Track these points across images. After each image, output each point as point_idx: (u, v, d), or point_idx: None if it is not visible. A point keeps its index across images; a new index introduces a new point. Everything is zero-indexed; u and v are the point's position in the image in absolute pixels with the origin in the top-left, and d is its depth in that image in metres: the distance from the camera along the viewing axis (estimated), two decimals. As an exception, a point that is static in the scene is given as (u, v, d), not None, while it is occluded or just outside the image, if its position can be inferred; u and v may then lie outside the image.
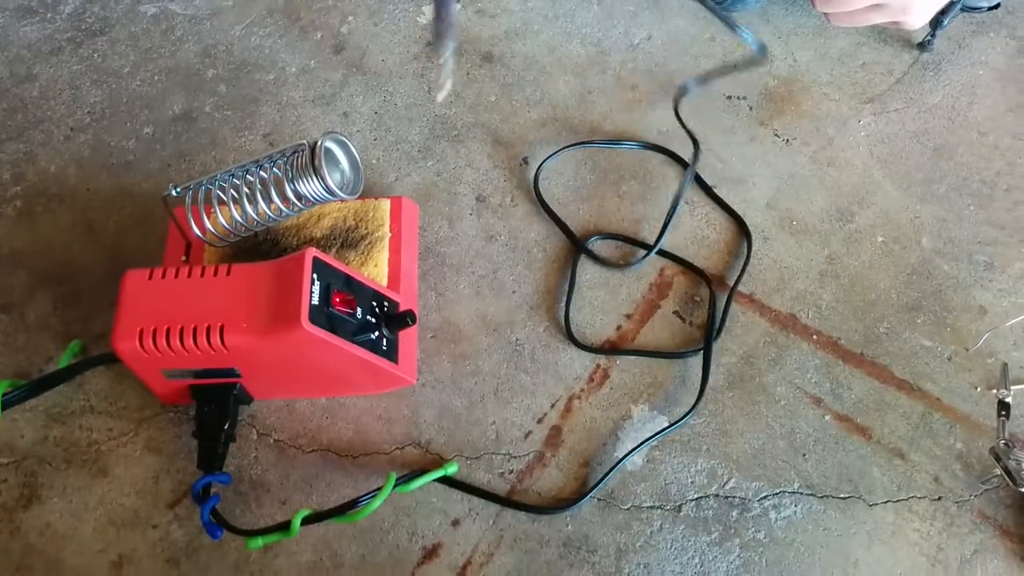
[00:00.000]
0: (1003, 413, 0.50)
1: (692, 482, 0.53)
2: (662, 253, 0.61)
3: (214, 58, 0.69)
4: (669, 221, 0.60)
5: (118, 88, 0.68)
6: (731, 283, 0.59)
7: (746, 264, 0.60)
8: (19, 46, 0.70)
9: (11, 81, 0.69)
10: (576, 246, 0.60)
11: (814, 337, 0.58)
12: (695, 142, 0.62)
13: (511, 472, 0.54)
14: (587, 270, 0.60)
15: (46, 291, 0.60)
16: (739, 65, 0.65)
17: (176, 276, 0.50)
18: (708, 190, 0.63)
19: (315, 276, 0.49)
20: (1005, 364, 0.54)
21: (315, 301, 0.49)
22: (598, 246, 0.61)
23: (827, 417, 0.56)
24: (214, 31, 0.71)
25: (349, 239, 0.57)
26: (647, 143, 0.64)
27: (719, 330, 0.57)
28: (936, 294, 0.59)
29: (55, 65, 0.69)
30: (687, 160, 0.63)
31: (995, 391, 0.53)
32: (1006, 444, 0.48)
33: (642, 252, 0.60)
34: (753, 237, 0.61)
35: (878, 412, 0.56)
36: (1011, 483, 0.47)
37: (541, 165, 0.63)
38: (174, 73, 0.69)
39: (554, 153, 0.64)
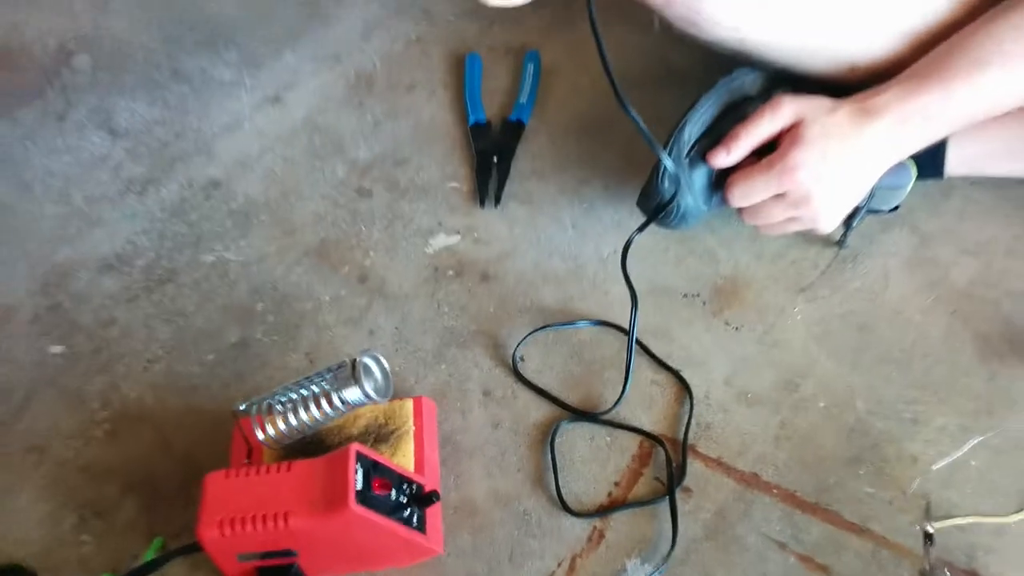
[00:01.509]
0: (928, 542, 0.60)
1: (682, 624, 0.63)
2: (620, 425, 0.73)
3: (262, 294, 0.85)
4: (624, 389, 0.74)
5: (184, 325, 0.83)
6: (682, 440, 0.72)
7: (690, 419, 0.73)
8: (102, 296, 0.86)
9: (96, 325, 0.84)
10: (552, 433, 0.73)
11: (774, 491, 0.69)
12: (633, 295, 0.74)
13: (528, 626, 0.63)
14: (577, 447, 0.73)
15: (132, 498, 0.72)
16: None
17: (247, 474, 0.62)
18: (655, 358, 0.77)
19: (358, 466, 0.61)
20: (927, 503, 0.65)
21: (359, 487, 0.60)
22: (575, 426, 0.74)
23: (791, 559, 0.66)
24: (261, 272, 0.86)
25: (381, 434, 0.69)
26: (601, 320, 0.79)
27: (680, 480, 0.69)
28: (873, 447, 0.71)
29: (132, 310, 0.85)
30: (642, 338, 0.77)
31: (918, 527, 0.64)
32: (930, 566, 0.58)
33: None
34: (714, 408, 0.74)
35: (835, 552, 0.66)
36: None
37: (516, 348, 0.78)
38: (230, 309, 0.84)
39: (525, 337, 0.79)
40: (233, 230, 0.90)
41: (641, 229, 0.76)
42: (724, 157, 0.75)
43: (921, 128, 0.72)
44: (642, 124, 0.67)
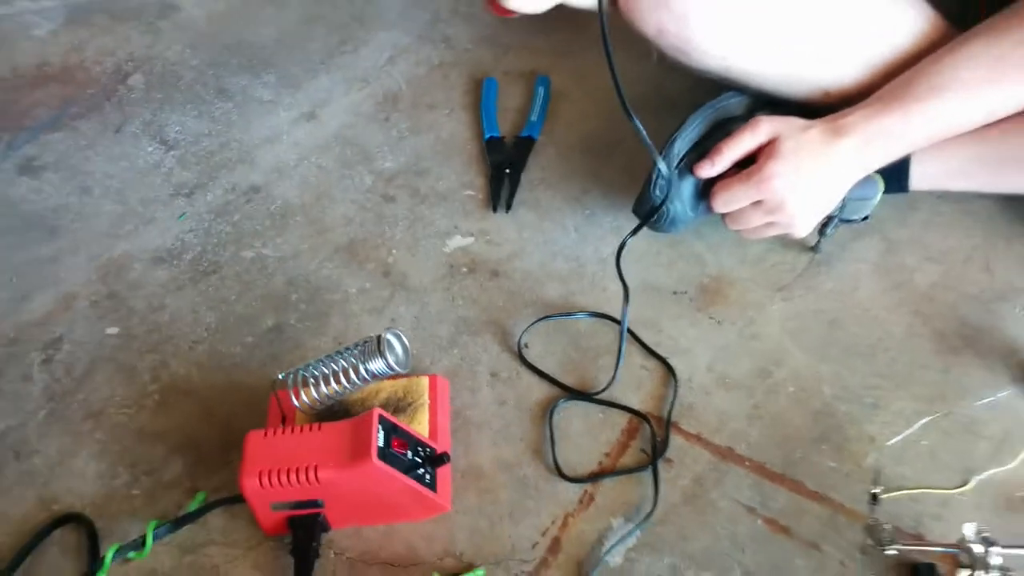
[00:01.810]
0: (873, 501, 0.69)
1: (660, 575, 0.71)
2: (612, 403, 0.82)
3: (296, 285, 0.95)
4: (616, 372, 0.83)
5: (226, 311, 0.93)
6: (666, 417, 0.81)
7: (674, 400, 0.81)
8: (154, 285, 0.96)
9: (148, 310, 0.94)
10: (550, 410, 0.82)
11: (746, 463, 0.78)
12: (625, 289, 0.82)
13: (524, 573, 0.72)
14: (573, 423, 0.82)
15: (177, 458, 0.82)
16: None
17: (282, 433, 0.72)
18: (645, 346, 0.86)
19: (380, 427, 0.71)
20: (877, 472, 0.73)
21: (380, 444, 0.70)
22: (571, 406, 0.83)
23: (758, 522, 0.74)
24: (295, 267, 0.97)
25: (399, 406, 0.79)
26: (597, 312, 0.88)
27: (663, 452, 0.78)
28: (836, 428, 0.80)
29: (180, 297, 0.95)
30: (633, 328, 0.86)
31: (870, 490, 0.72)
32: (874, 522, 0.67)
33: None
34: (696, 391, 0.83)
35: (797, 516, 0.74)
36: (878, 546, 0.65)
37: (521, 336, 0.87)
38: (267, 298, 0.94)
39: (529, 326, 0.88)
40: (271, 229, 1.00)
41: (635, 231, 0.86)
42: (709, 168, 0.84)
43: (884, 146, 0.81)
44: (641, 128, 0.75)
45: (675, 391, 0.83)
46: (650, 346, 0.86)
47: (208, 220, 1.02)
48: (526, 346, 0.88)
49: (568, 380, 0.85)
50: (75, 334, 0.92)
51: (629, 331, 0.86)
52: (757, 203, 0.83)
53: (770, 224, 0.85)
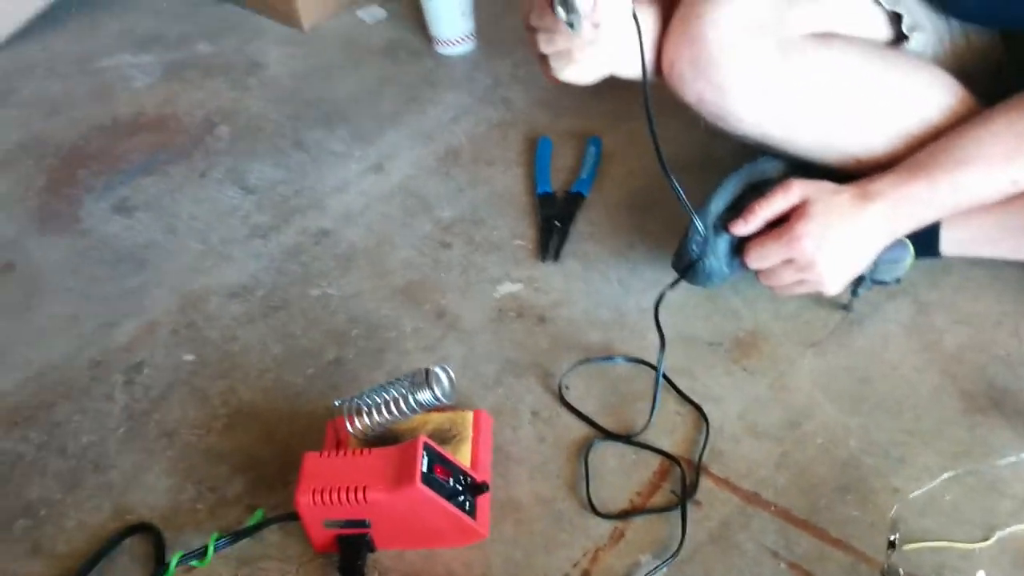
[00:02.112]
0: (890, 548, 0.72)
1: (683, 608, 0.75)
2: (645, 446, 0.86)
3: (357, 323, 1.02)
4: (651, 416, 0.87)
5: (292, 344, 1.01)
6: (697, 461, 0.84)
7: (704, 445, 0.85)
8: (228, 318, 1.05)
9: (222, 340, 1.02)
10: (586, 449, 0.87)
11: (772, 508, 0.81)
12: (662, 338, 0.88)
13: (554, 600, 0.76)
14: (608, 462, 0.86)
15: (240, 478, 0.88)
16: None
17: (336, 456, 0.78)
18: (680, 393, 0.90)
19: (424, 454, 0.77)
20: (894, 519, 0.76)
21: (424, 470, 0.76)
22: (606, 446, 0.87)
23: (782, 565, 0.77)
24: (357, 305, 1.04)
25: (445, 437, 0.85)
26: (636, 358, 0.93)
27: (692, 494, 0.82)
28: (862, 479, 0.83)
29: (251, 330, 1.03)
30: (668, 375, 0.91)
31: (888, 537, 0.75)
32: (889, 566, 0.70)
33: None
34: (726, 437, 0.87)
35: (820, 562, 0.77)
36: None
37: (562, 378, 0.92)
38: (330, 334, 1.01)
39: (570, 369, 0.93)
40: (336, 270, 1.09)
41: (673, 284, 0.91)
42: (743, 226, 0.90)
43: (911, 212, 0.86)
44: (677, 187, 0.82)
45: (707, 437, 0.87)
46: (685, 392, 0.91)
47: (280, 260, 1.11)
48: (567, 388, 0.93)
49: (605, 422, 0.89)
50: (155, 359, 1.01)
51: (665, 377, 0.91)
52: (788, 261, 0.88)
53: (801, 282, 0.89)
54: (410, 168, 1.22)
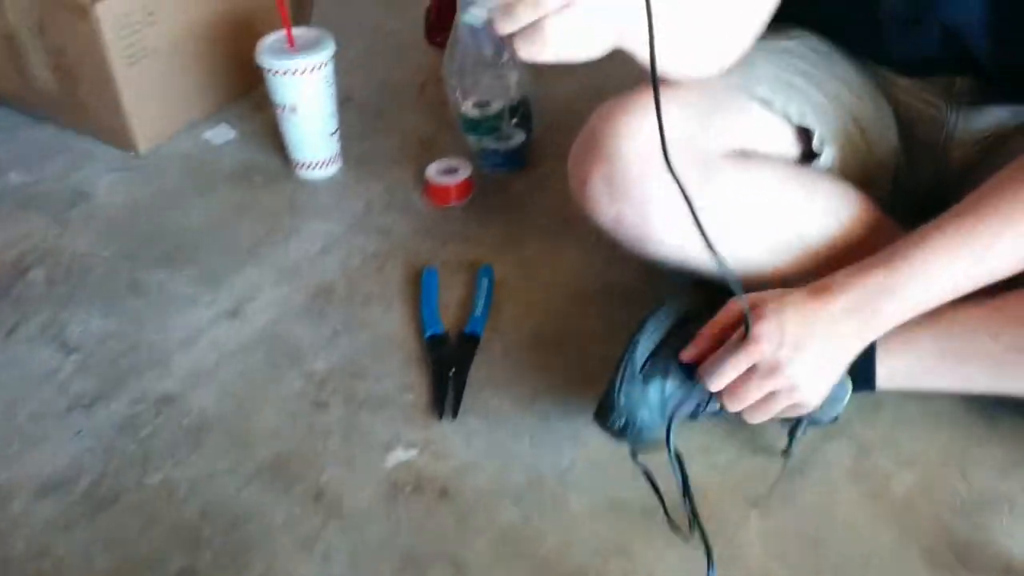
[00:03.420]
0: None
1: None
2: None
3: (211, 517, 0.81)
4: None
5: (126, 553, 0.79)
6: None
7: None
8: (38, 523, 0.82)
9: (26, 556, 0.79)
10: None
11: None
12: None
13: None
14: None
15: None
16: None
17: None
18: None
19: None
20: None
21: None
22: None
23: None
24: (211, 491, 0.84)
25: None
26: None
27: None
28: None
29: (69, 538, 0.81)
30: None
31: None
32: None
33: None
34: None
35: None
36: None
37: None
38: (176, 533, 0.80)
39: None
40: (184, 447, 0.88)
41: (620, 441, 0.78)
42: (693, 351, 0.80)
43: (875, 308, 0.76)
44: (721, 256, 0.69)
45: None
46: (622, 577, 0.76)
47: (109, 438, 0.89)
48: (483, 583, 0.76)
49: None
50: (-65, 589, 0.77)
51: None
52: (750, 371, 0.76)
53: (772, 395, 0.78)
54: (273, 311, 1.04)
